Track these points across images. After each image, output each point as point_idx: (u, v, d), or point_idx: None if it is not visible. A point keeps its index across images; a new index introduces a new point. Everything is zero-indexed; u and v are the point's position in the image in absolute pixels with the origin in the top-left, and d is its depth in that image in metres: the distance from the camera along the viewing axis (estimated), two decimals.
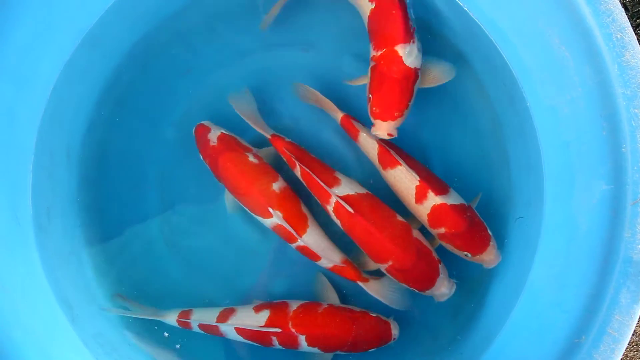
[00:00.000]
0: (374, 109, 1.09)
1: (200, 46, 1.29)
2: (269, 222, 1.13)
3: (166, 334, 1.19)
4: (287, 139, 1.17)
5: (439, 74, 1.15)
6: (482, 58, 1.18)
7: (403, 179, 1.10)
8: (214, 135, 1.17)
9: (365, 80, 1.13)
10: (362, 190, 1.12)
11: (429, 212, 1.09)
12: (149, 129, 1.29)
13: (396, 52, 1.06)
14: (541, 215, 1.06)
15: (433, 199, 1.08)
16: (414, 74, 1.08)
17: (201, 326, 1.14)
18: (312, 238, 1.12)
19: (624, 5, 1.40)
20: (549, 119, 1.05)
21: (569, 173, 1.01)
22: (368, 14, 1.11)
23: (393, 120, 1.08)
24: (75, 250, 1.19)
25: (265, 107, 1.26)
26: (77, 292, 1.14)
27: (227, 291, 1.25)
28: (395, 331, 1.11)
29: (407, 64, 1.06)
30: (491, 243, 1.09)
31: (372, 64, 1.10)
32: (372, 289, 1.13)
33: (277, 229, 1.13)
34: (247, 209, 1.15)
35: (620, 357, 0.85)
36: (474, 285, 1.17)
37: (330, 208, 1.12)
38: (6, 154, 1.08)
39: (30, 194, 1.10)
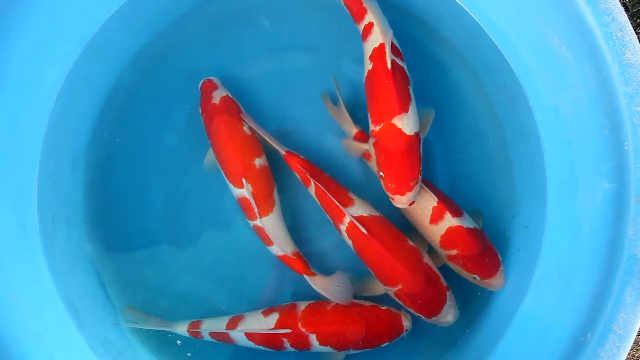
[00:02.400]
0: (389, 185, 1.05)
1: (201, 52, 1.30)
2: (237, 193, 1.14)
3: (179, 342, 1.20)
4: (301, 156, 1.17)
5: (425, 120, 1.13)
6: (483, 59, 1.19)
7: (419, 199, 1.10)
8: (218, 94, 1.19)
9: (361, 148, 1.14)
10: (375, 213, 1.12)
11: (443, 233, 1.09)
12: (152, 136, 1.30)
13: (395, 125, 1.02)
14: (544, 215, 1.06)
15: (450, 221, 1.08)
16: (417, 139, 1.05)
17: (212, 335, 1.13)
18: (271, 223, 1.13)
19: (624, 5, 1.41)
20: (551, 118, 1.05)
21: (572, 172, 1.01)
22: (365, 74, 1.09)
23: (410, 191, 1.05)
24: (81, 256, 1.19)
25: (268, 110, 1.27)
26: (83, 297, 1.14)
27: (233, 297, 1.25)
28: (406, 322, 1.10)
29: (408, 134, 1.03)
30: (501, 268, 1.10)
31: (372, 139, 1.07)
32: (317, 283, 1.13)
33: (243, 201, 1.14)
34: (223, 173, 1.16)
35: (626, 355, 0.85)
36: (480, 286, 1.17)
37: (343, 228, 1.12)
38: (12, 162, 1.09)
39: (36, 201, 1.11)
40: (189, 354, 1.19)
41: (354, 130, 1.19)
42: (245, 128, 1.16)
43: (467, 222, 1.09)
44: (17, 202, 1.08)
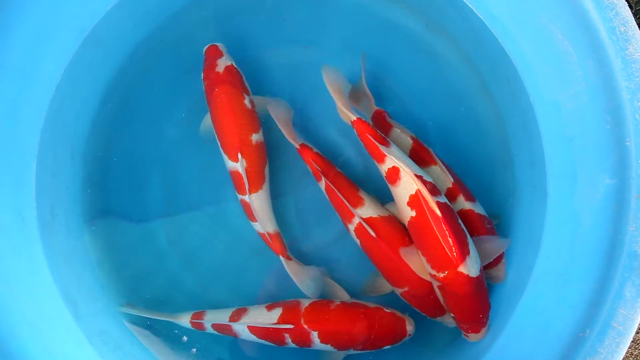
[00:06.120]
0: (463, 325, 1.05)
1: (202, 45, 1.29)
2: (231, 165, 1.14)
3: (185, 338, 1.20)
4: (315, 150, 1.17)
5: (492, 249, 1.06)
6: (484, 54, 1.18)
7: (435, 179, 1.08)
8: (223, 62, 1.17)
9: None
10: (384, 213, 1.11)
11: None
12: (152, 129, 1.30)
13: (461, 273, 0.97)
14: (545, 210, 1.05)
15: (462, 204, 1.09)
16: (482, 277, 1.02)
17: (214, 326, 1.13)
18: (259, 201, 1.14)
19: (628, 4, 1.40)
20: (553, 114, 1.04)
21: (573, 168, 1.01)
22: (408, 220, 1.03)
23: (485, 327, 1.05)
24: (79, 248, 1.19)
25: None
26: (81, 289, 1.14)
27: (234, 291, 1.25)
28: (410, 327, 1.10)
29: (474, 275, 0.98)
30: (503, 261, 1.10)
31: (436, 283, 1.02)
32: (291, 269, 1.15)
33: (234, 174, 1.14)
34: (218, 143, 1.16)
35: (625, 350, 0.85)
36: None
37: (351, 227, 1.12)
38: (10, 153, 1.08)
39: (35, 193, 1.10)
40: (194, 350, 1.19)
41: (373, 108, 1.19)
42: (246, 101, 1.15)
43: (478, 209, 1.10)
44: (15, 194, 1.07)
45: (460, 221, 1.02)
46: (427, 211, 0.97)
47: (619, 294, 0.88)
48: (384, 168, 1.04)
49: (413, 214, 1.00)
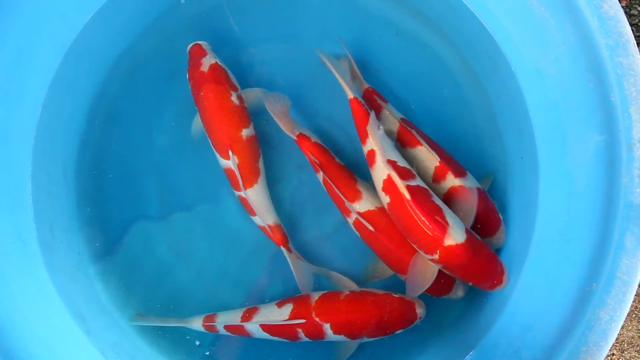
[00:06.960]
0: (485, 285, 1.07)
1: (183, 49, 1.29)
2: (223, 163, 1.15)
3: (198, 343, 1.20)
4: (313, 140, 1.17)
5: (465, 205, 1.09)
6: (462, 31, 1.19)
7: (423, 159, 1.10)
8: (207, 61, 1.17)
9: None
10: (381, 204, 1.11)
11: (445, 192, 1.10)
12: (141, 138, 1.30)
13: (449, 246, 0.98)
14: (537, 175, 1.07)
15: (452, 181, 1.10)
16: (472, 236, 1.03)
17: (227, 327, 1.14)
18: (255, 195, 1.15)
19: None
20: (535, 80, 1.06)
21: (561, 130, 1.02)
22: (386, 206, 1.05)
23: (504, 274, 1.07)
24: (82, 264, 1.18)
25: (254, 102, 1.27)
26: (89, 305, 1.14)
27: (239, 292, 1.25)
28: (420, 310, 1.11)
29: (464, 241, 0.99)
30: (501, 227, 1.12)
31: (437, 265, 1.04)
32: (292, 259, 1.16)
33: (228, 172, 1.15)
34: (210, 142, 1.16)
35: (632, 299, 0.87)
36: None
37: (350, 220, 1.13)
38: (4, 175, 1.07)
39: (32, 213, 1.09)
40: (207, 353, 1.19)
41: (364, 86, 1.21)
42: (233, 98, 1.16)
43: (468, 182, 1.11)
44: (13, 215, 1.07)
45: (434, 197, 1.03)
46: (399, 197, 0.99)
47: (620, 244, 0.90)
48: (365, 150, 1.06)
49: (388, 199, 1.03)
